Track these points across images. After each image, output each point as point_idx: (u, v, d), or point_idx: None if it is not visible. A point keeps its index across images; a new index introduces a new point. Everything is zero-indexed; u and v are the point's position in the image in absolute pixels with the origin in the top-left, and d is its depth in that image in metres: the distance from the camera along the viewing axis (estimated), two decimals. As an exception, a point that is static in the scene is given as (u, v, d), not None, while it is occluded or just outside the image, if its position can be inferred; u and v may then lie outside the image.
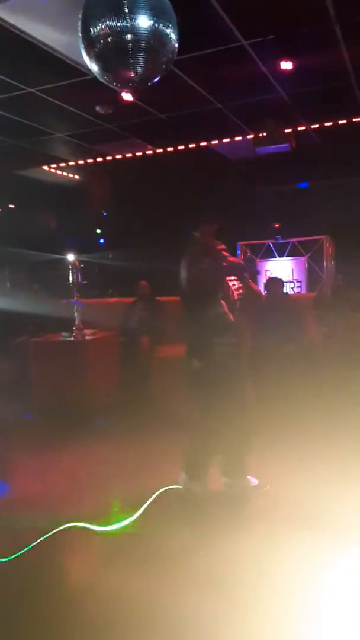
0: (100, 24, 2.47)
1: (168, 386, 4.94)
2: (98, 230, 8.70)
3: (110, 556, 2.57)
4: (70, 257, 6.87)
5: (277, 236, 7.71)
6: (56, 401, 5.27)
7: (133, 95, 4.75)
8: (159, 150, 7.06)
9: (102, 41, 2.55)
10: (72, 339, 5.77)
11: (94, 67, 2.74)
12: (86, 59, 2.75)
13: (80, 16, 2.60)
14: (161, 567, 2.39)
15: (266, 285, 5.90)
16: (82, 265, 6.19)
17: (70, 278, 6.04)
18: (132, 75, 2.46)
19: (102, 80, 2.77)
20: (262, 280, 6.99)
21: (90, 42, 2.62)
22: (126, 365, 6.09)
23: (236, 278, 3.05)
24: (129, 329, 6.42)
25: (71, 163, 7.58)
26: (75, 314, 5.93)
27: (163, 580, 2.30)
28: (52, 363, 5.48)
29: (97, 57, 2.60)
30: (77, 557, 2.61)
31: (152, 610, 2.10)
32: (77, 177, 8.30)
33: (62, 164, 7.66)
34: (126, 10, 2.42)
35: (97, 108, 5.26)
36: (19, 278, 8.10)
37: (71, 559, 2.60)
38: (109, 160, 7.35)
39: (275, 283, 5.71)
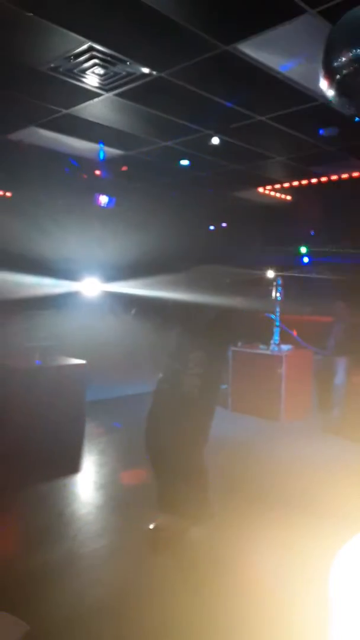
0: (345, 54, 2.60)
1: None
2: (303, 249, 8.78)
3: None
4: (273, 273, 7.10)
5: None
6: (249, 407, 5.54)
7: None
8: (378, 170, 6.84)
9: (345, 70, 2.67)
10: (269, 352, 5.99)
11: (331, 93, 2.89)
12: (323, 86, 2.91)
13: (324, 46, 2.78)
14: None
15: None
16: (283, 282, 6.36)
17: (273, 294, 6.28)
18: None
19: (338, 106, 2.90)
20: None
21: (331, 71, 2.78)
22: (319, 383, 6.04)
23: None
24: (326, 348, 6.35)
25: (285, 185, 7.85)
26: (275, 329, 6.14)
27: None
28: (249, 371, 5.78)
29: (337, 85, 2.73)
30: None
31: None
32: (289, 197, 8.54)
33: (277, 186, 7.98)
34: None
35: (322, 132, 5.39)
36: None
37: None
38: (323, 182, 7.40)
39: None
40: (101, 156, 6.27)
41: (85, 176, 6.94)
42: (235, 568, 2.63)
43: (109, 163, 6.90)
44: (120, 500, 3.59)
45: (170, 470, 2.99)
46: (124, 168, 6.91)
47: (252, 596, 2.39)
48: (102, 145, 6.05)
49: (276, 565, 2.64)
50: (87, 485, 3.90)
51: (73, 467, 4.19)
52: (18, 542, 2.96)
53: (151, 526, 2.99)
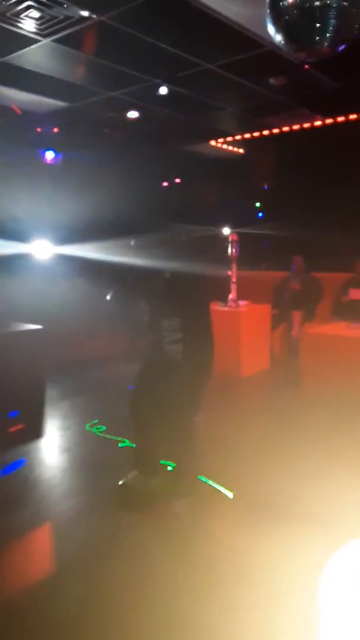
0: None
1: (317, 363, 4.93)
2: (257, 204, 8.76)
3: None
4: (227, 230, 7.08)
5: None
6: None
7: (311, 64, 4.65)
8: (329, 121, 6.80)
9: (290, 11, 2.58)
10: (226, 308, 6.05)
11: (278, 38, 2.79)
12: (271, 31, 2.81)
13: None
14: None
15: None
16: (238, 239, 6.36)
17: (228, 250, 6.27)
18: (321, 42, 2.46)
19: (286, 51, 2.82)
20: None
21: (278, 14, 2.67)
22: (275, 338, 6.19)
23: None
24: (281, 303, 6.47)
25: (237, 137, 7.71)
26: (231, 286, 6.17)
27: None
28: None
29: (284, 28, 2.64)
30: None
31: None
32: (241, 150, 8.42)
33: (229, 138, 7.83)
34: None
35: (271, 80, 5.27)
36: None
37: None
38: (275, 133, 7.31)
39: None
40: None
41: (31, 130, 6.56)
42: (203, 525, 2.73)
43: (53, 116, 6.54)
44: (86, 463, 3.61)
45: (153, 438, 2.96)
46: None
47: (219, 549, 2.49)
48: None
49: (241, 522, 2.74)
50: (50, 450, 3.89)
51: (35, 432, 4.16)
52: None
53: (120, 482, 3.02)
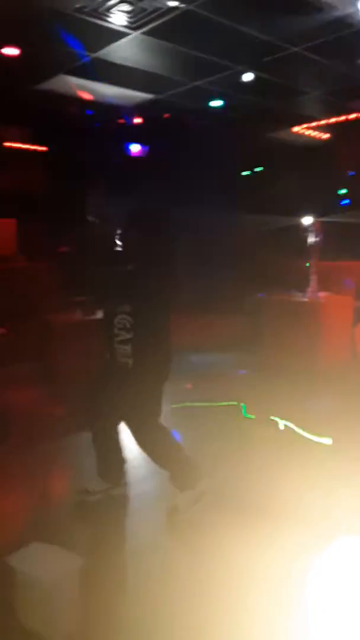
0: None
1: None
2: (342, 191, 8.44)
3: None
4: (309, 219, 6.90)
5: None
6: (283, 360, 5.52)
7: None
8: None
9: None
10: (305, 299, 5.91)
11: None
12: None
13: None
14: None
15: None
16: (320, 227, 6.19)
17: (309, 239, 6.12)
18: None
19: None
20: None
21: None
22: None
23: None
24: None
25: (322, 122, 7.48)
26: (311, 276, 6.02)
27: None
28: (284, 321, 5.74)
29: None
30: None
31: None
32: (325, 136, 8.15)
33: (313, 124, 7.61)
34: None
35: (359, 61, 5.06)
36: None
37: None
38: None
39: None
40: None
41: (118, 123, 6.76)
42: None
43: (139, 109, 6.73)
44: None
45: (112, 444, 2.77)
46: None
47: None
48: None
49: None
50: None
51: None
52: None
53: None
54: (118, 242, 2.64)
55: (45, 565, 1.92)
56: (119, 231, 2.64)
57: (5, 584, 1.93)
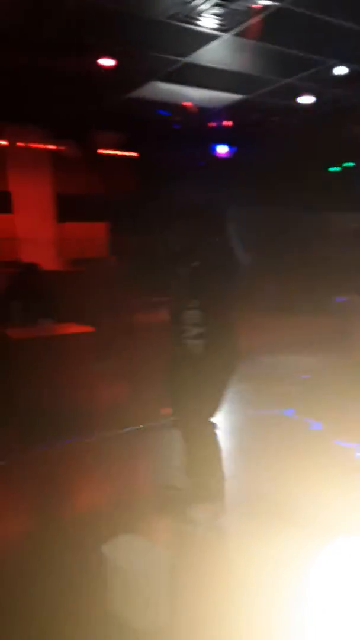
0: None
1: None
2: None
3: None
4: None
5: None
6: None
7: None
8: None
9: None
10: None
11: None
12: None
13: None
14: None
15: None
16: None
17: None
18: None
19: None
20: None
21: None
22: None
23: None
24: None
25: None
26: None
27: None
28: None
29: None
30: None
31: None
32: None
33: None
34: None
35: None
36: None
37: None
38: None
39: None
40: None
41: (208, 125, 6.78)
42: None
43: (228, 110, 6.71)
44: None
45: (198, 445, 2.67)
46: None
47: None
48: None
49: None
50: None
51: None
52: None
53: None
54: (182, 238, 2.69)
55: (135, 556, 1.98)
56: (182, 227, 2.69)
57: (98, 574, 2.01)
